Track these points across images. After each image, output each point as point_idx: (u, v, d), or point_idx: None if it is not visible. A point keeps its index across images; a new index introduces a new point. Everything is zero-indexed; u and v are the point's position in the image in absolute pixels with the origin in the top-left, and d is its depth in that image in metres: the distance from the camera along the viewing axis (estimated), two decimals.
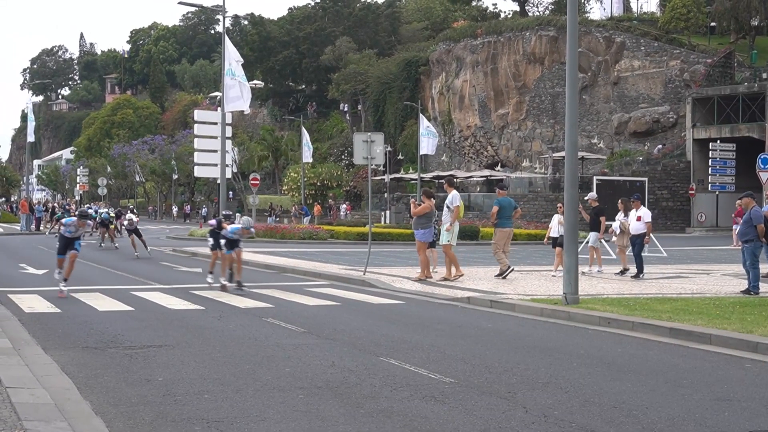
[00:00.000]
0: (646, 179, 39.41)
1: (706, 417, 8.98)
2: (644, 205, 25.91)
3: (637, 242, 24.02)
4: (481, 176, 78.20)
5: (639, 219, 24.07)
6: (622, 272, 25.03)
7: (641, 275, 23.83)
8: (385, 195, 77.06)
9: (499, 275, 23.87)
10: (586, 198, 27.48)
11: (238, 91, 38.76)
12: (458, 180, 75.47)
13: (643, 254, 24.62)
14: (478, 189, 78.28)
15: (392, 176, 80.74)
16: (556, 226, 25.16)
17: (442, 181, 25.99)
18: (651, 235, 25.43)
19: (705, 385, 10.64)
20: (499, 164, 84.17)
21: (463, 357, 12.27)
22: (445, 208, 23.62)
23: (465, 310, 18.15)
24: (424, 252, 23.65)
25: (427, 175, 76.70)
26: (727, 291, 20.39)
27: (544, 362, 11.94)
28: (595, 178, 38.39)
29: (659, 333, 14.37)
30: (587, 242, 26.61)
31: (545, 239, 27.08)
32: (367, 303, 19.21)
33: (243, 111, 41.69)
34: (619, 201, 25.82)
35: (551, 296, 18.91)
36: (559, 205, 25.11)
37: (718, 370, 11.64)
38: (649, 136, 72.42)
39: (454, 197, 23.62)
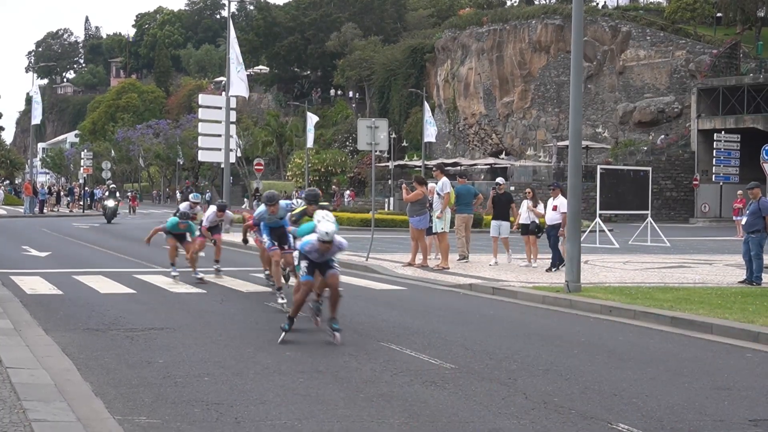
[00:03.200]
0: (650, 169, 39.32)
1: (706, 406, 8.98)
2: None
3: (552, 234, 22.72)
4: (485, 164, 78.11)
5: (555, 209, 22.76)
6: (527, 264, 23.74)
7: (554, 269, 22.32)
8: (389, 182, 76.98)
9: (460, 259, 24.25)
10: (497, 182, 25.90)
11: (242, 75, 38.90)
12: (462, 167, 75.45)
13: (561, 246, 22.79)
14: (482, 177, 78.18)
15: (396, 163, 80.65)
16: (525, 213, 23.84)
17: (435, 169, 25.21)
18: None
19: (705, 374, 10.64)
20: (504, 152, 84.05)
21: (464, 343, 12.27)
22: (435, 196, 23.54)
23: (467, 297, 18.17)
24: (423, 239, 23.61)
25: (432, 163, 76.56)
26: (729, 281, 20.36)
27: (545, 349, 11.94)
28: (599, 167, 38.31)
29: (660, 322, 14.37)
30: (498, 232, 24.53)
31: (515, 226, 24.85)
32: (369, 288, 19.21)
33: (245, 96, 41.48)
34: (527, 189, 24.78)
35: (553, 284, 18.91)
36: (527, 190, 24.73)
37: (718, 360, 11.64)
38: (654, 126, 72.30)
39: (444, 184, 23.55)
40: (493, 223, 24.59)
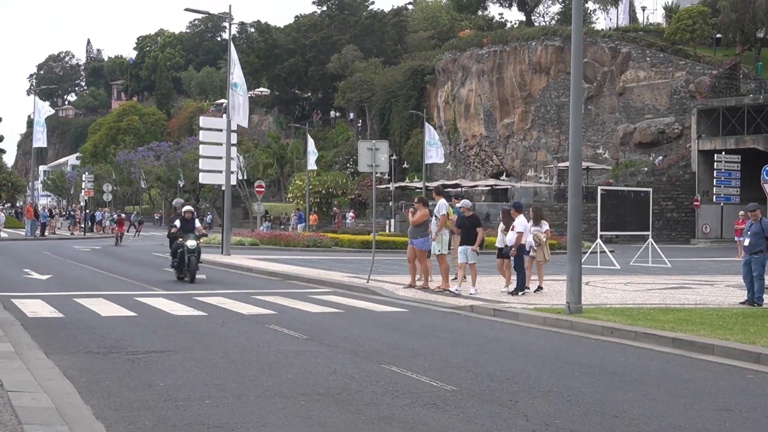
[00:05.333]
0: (650, 190, 39.33)
1: (707, 427, 8.97)
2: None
3: (515, 255, 21.87)
4: (486, 185, 78.12)
5: (512, 229, 21.94)
6: (537, 289, 22.48)
7: (521, 293, 21.67)
8: (390, 203, 77.02)
9: (455, 279, 24.03)
10: (458, 205, 24.13)
11: (240, 101, 39.05)
12: (463, 189, 75.51)
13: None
14: (483, 198, 78.23)
15: (397, 185, 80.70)
16: (500, 236, 22.99)
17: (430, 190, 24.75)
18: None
19: (707, 395, 10.63)
20: (504, 174, 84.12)
21: (465, 365, 12.27)
22: (432, 218, 23.51)
23: (468, 319, 18.16)
24: (424, 260, 23.61)
25: (432, 184, 76.56)
26: (731, 302, 20.36)
27: (546, 371, 11.94)
28: (599, 188, 38.36)
29: (662, 343, 14.36)
30: (465, 258, 22.75)
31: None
32: (370, 310, 19.21)
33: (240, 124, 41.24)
34: (501, 212, 23.77)
35: (554, 305, 18.91)
36: (501, 212, 24.25)
37: (720, 381, 11.63)
38: (655, 147, 72.35)
39: (440, 206, 23.50)
40: (460, 248, 23.10)
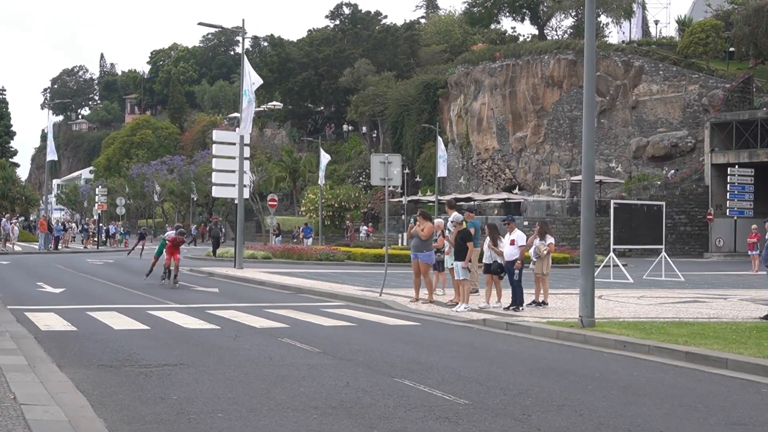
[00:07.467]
0: (663, 203, 39.22)
1: None
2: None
3: (510, 269, 21.55)
4: (499, 199, 78.05)
5: (512, 243, 21.59)
6: (539, 304, 22.30)
7: (519, 308, 21.27)
8: (403, 217, 76.98)
9: (472, 292, 23.83)
10: (450, 219, 23.31)
11: (251, 113, 39.05)
12: (476, 203, 75.47)
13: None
14: (496, 212, 78.14)
15: (410, 198, 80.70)
16: (487, 251, 22.41)
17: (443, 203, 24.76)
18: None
19: (720, 409, 10.59)
20: (517, 187, 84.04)
21: (477, 379, 12.25)
22: (447, 232, 23.49)
23: (481, 332, 18.13)
24: (428, 274, 23.64)
25: (445, 198, 76.54)
26: (744, 316, 20.29)
27: (559, 385, 11.91)
28: (612, 202, 38.26)
29: (675, 357, 14.32)
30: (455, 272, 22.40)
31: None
32: (382, 324, 19.20)
33: (242, 134, 40.93)
34: (486, 226, 23.27)
35: (567, 319, 18.87)
36: (486, 227, 24.19)
37: (733, 395, 11.59)
38: (668, 160, 72.21)
39: (453, 219, 23.53)
40: (455, 264, 22.60)
